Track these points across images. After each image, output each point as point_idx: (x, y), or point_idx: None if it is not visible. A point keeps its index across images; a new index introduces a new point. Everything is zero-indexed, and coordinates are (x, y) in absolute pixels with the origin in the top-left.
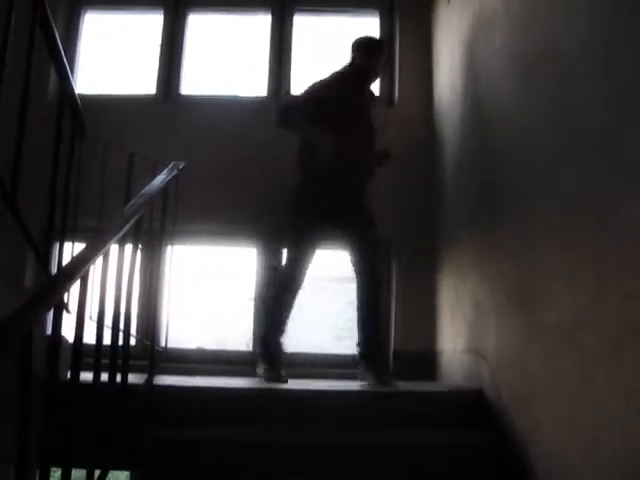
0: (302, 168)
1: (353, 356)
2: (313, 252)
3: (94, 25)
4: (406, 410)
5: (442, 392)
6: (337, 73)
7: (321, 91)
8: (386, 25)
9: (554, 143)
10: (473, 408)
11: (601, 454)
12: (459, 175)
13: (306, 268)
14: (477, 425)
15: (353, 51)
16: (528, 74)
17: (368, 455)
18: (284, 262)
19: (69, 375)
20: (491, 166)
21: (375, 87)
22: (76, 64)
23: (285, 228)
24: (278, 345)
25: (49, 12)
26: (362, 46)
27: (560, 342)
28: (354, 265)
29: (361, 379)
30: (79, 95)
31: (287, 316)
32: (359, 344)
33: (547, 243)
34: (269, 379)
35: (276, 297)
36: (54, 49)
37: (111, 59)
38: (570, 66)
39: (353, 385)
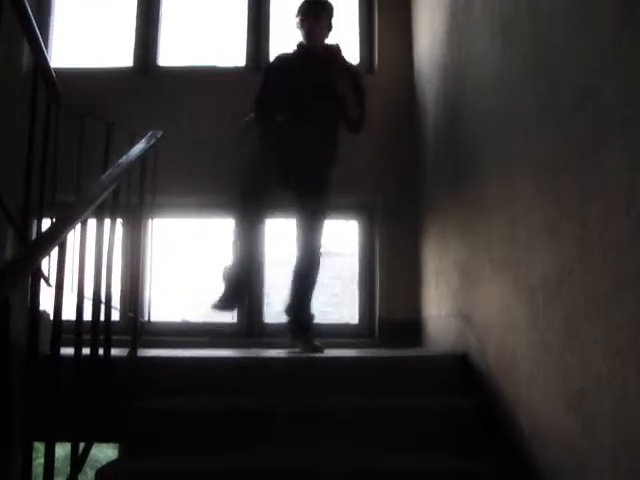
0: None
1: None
2: (268, 203)
3: None
4: (390, 376)
5: (426, 356)
6: (286, 57)
7: (270, 77)
8: None
9: (534, 100)
10: (459, 372)
11: (587, 409)
12: (440, 140)
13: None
14: (463, 389)
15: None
16: (505, 31)
17: (352, 421)
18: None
19: (50, 349)
20: (470, 129)
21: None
22: (50, 36)
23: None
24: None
25: None
26: (298, 9)
27: (545, 298)
28: (296, 233)
29: (291, 346)
30: (55, 69)
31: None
32: (287, 312)
33: (530, 200)
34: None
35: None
36: (25, 20)
37: (86, 30)
38: (548, 21)
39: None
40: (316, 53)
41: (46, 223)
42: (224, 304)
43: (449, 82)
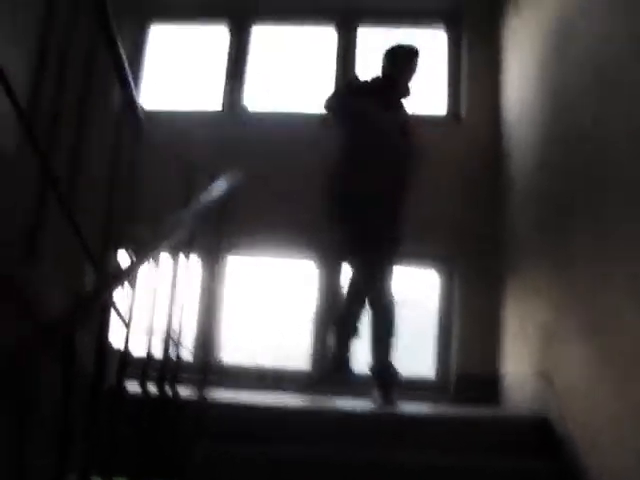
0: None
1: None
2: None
3: (160, 37)
4: (466, 435)
5: (503, 416)
6: (365, 83)
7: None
8: (452, 38)
9: (634, 150)
10: (537, 435)
11: None
12: (526, 192)
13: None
14: (541, 453)
15: (382, 60)
16: (608, 83)
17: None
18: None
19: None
20: (560, 180)
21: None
22: (141, 77)
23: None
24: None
25: (113, 27)
26: (387, 55)
27: (633, 366)
28: (364, 283)
29: (372, 401)
30: (144, 110)
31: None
32: (371, 369)
33: (621, 262)
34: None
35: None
36: (116, 58)
37: (175, 73)
38: None
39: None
40: (398, 93)
41: (123, 257)
42: (334, 366)
43: (539, 130)
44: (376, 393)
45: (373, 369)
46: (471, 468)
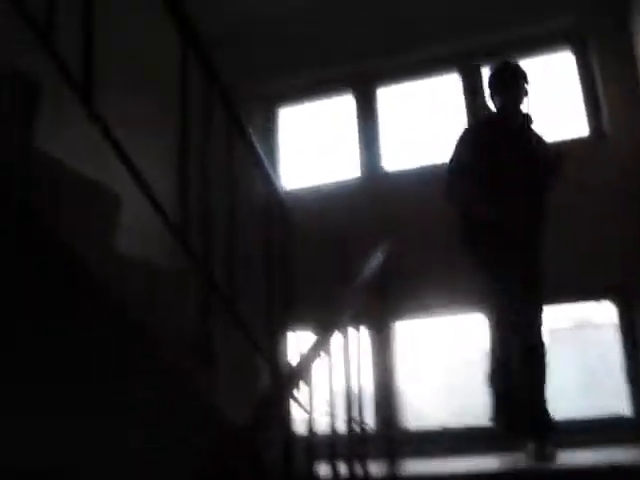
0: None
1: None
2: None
3: (288, 119)
4: None
5: None
6: (479, 123)
7: (466, 155)
8: (581, 59)
9: None
10: None
11: None
12: None
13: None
14: None
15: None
16: None
17: None
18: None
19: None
20: None
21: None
22: (277, 160)
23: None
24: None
25: (246, 127)
26: (489, 83)
27: None
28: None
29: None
30: (285, 192)
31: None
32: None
33: None
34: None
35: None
36: (256, 158)
37: (309, 149)
38: None
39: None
40: (515, 122)
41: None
42: (499, 421)
43: None
44: (531, 446)
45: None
46: None
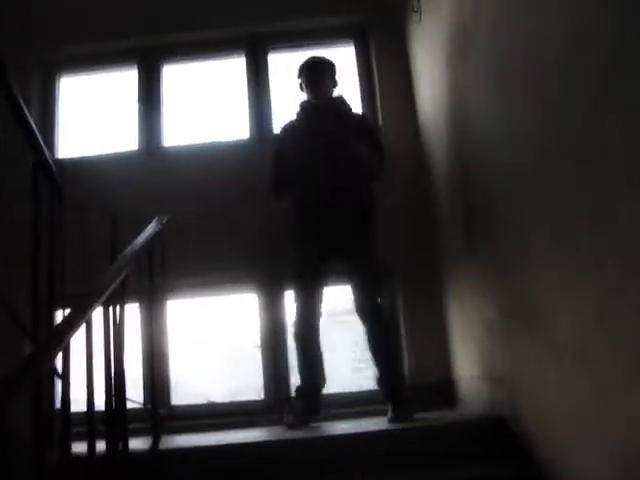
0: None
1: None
2: (320, 288)
3: (70, 88)
4: (425, 443)
5: (458, 422)
6: (296, 114)
7: (281, 154)
8: (361, 53)
9: (539, 153)
10: (494, 436)
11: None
12: (452, 196)
13: (317, 306)
14: (499, 455)
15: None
16: (502, 84)
17: None
18: (294, 306)
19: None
20: (480, 185)
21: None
22: (55, 129)
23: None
24: (315, 393)
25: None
26: (300, 70)
27: (572, 361)
28: (355, 304)
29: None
30: (61, 160)
31: (315, 358)
32: (376, 380)
33: (545, 255)
34: (295, 426)
35: (297, 344)
36: (20, 118)
37: (90, 120)
38: (545, 72)
39: (370, 424)
40: (325, 109)
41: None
42: (299, 422)
43: (456, 135)
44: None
45: (380, 381)
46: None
